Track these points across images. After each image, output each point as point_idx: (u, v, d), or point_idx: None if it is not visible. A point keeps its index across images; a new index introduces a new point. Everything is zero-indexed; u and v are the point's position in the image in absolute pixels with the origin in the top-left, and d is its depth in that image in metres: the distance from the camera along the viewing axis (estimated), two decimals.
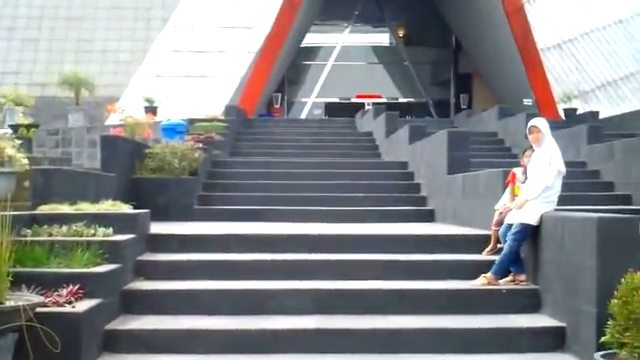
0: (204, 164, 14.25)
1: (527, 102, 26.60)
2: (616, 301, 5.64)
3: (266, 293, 7.52)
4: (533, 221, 7.59)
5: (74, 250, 7.02)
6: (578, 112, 24.74)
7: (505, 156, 16.35)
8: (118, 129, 15.46)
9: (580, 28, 27.83)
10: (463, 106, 34.81)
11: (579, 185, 13.36)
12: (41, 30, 30.02)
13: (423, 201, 13.75)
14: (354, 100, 35.91)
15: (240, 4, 27.14)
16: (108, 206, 8.76)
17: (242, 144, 19.83)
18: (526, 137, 8.03)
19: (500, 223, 8.29)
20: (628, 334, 5.47)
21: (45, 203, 8.29)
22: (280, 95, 35.54)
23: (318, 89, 37.14)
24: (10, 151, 7.85)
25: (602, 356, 5.67)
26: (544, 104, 26.05)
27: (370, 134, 21.12)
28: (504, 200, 8.65)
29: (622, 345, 5.51)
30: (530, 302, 7.50)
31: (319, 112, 37.03)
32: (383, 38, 39.23)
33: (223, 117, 20.75)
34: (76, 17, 30.16)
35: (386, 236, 9.37)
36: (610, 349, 5.67)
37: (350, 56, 37.65)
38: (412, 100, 38.06)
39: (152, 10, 30.25)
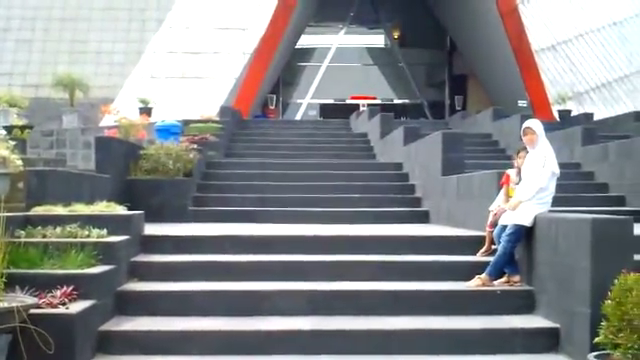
0: (199, 165, 14.23)
1: (522, 104, 26.64)
2: (610, 302, 5.66)
3: (261, 294, 7.52)
4: (527, 222, 7.60)
5: (68, 251, 7.01)
6: (572, 114, 24.78)
7: (499, 157, 16.37)
8: (112, 130, 15.44)
9: (574, 30, 27.90)
10: (458, 107, 34.84)
11: (573, 186, 13.40)
12: (35, 31, 29.96)
13: (418, 202, 13.76)
14: (349, 101, 35.92)
15: (235, 5, 27.12)
16: (102, 207, 8.75)
17: (237, 145, 19.82)
18: (520, 138, 8.04)
19: (494, 224, 8.29)
20: (621, 335, 5.49)
21: (39, 204, 8.27)
22: (275, 96, 35.53)
23: (313, 90, 37.14)
24: (4, 152, 7.82)
25: (596, 357, 5.68)
26: (539, 106, 26.10)
27: (365, 135, 21.12)
28: (498, 201, 8.66)
29: (616, 346, 5.53)
30: (524, 303, 7.51)
31: (314, 113, 37.04)
32: (378, 39, 39.26)
33: (218, 118, 20.74)
34: (70, 18, 30.11)
35: (381, 237, 9.37)
36: (604, 350, 5.68)
37: (345, 57, 37.65)
38: (407, 101, 38.10)
39: (147, 11, 30.22)
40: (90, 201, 9.13)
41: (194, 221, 12.16)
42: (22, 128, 13.49)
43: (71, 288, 6.37)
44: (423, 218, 12.91)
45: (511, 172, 8.65)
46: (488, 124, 21.17)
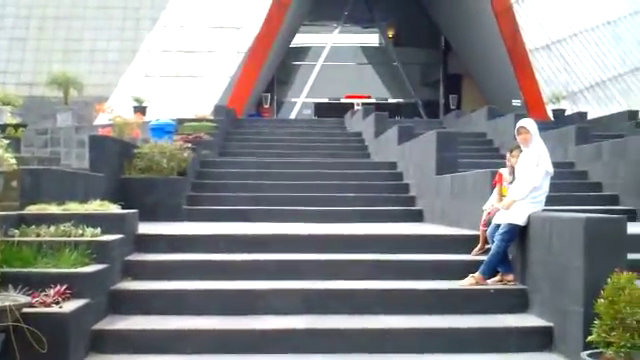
0: (193, 164, 14.22)
1: (516, 103, 26.69)
2: (602, 301, 5.67)
3: (255, 293, 7.51)
4: (521, 221, 7.62)
5: (62, 250, 6.99)
6: (567, 113, 24.84)
7: (494, 157, 16.40)
8: (107, 129, 15.41)
9: (569, 29, 27.97)
10: (452, 107, 34.88)
11: (567, 185, 13.43)
12: (29, 29, 29.91)
13: (412, 201, 13.78)
14: (343, 100, 35.93)
15: (229, 4, 27.11)
16: (96, 206, 8.73)
17: (231, 144, 19.81)
18: (515, 138, 8.05)
19: (488, 223, 8.30)
20: (614, 333, 5.51)
21: (33, 203, 8.25)
22: (269, 95, 35.53)
23: (307, 89, 37.15)
24: None
25: (589, 355, 5.69)
26: (533, 105, 26.15)
27: (359, 134, 21.14)
28: (492, 201, 8.68)
29: (608, 344, 5.55)
30: (518, 302, 7.53)
31: (308, 112, 37.04)
32: (372, 39, 39.28)
33: (212, 117, 20.72)
34: (64, 16, 30.06)
35: (375, 236, 9.37)
36: (597, 348, 5.70)
37: (340, 56, 37.66)
38: (401, 101, 38.13)
39: (141, 10, 30.20)
40: (84, 200, 9.11)
41: (188, 220, 12.15)
42: (16, 127, 13.46)
43: (65, 287, 6.36)
44: (417, 217, 12.93)
45: (504, 171, 8.67)
46: (482, 123, 21.21)
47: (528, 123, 7.88)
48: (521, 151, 7.96)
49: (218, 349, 6.68)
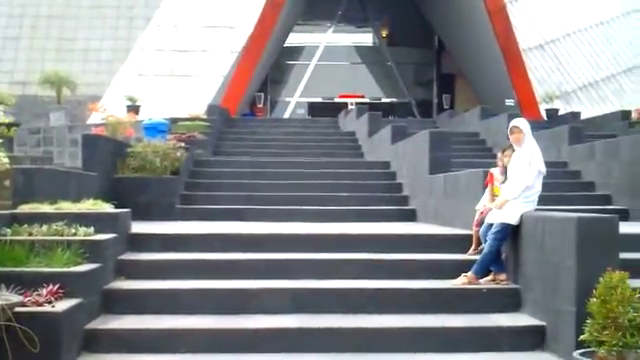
0: (186, 163, 14.21)
1: (509, 102, 26.73)
2: (595, 300, 5.69)
3: (248, 292, 7.52)
4: (513, 221, 7.63)
5: (54, 249, 6.98)
6: (560, 113, 24.90)
7: (487, 156, 16.41)
8: (100, 128, 15.37)
9: (562, 29, 28.04)
10: (446, 106, 34.90)
11: (560, 185, 13.47)
12: (22, 28, 29.82)
13: (405, 201, 13.79)
14: (337, 100, 35.91)
15: (223, 3, 27.09)
16: (89, 205, 8.72)
17: (225, 143, 19.80)
18: (507, 137, 8.07)
19: (481, 223, 8.32)
20: (606, 332, 5.53)
21: (26, 202, 8.23)
22: (263, 95, 35.49)
23: (301, 89, 37.12)
24: None
25: (581, 354, 5.71)
26: (526, 104, 26.20)
27: (353, 134, 21.15)
28: (484, 201, 8.69)
29: (600, 343, 5.57)
30: (511, 301, 7.54)
31: (302, 112, 37.01)
32: (366, 38, 39.26)
33: (206, 116, 20.71)
34: (58, 15, 29.98)
35: (368, 235, 9.38)
36: (589, 347, 5.72)
37: (333, 56, 37.64)
38: (395, 100, 38.13)
39: (135, 9, 30.13)
40: (77, 199, 9.09)
41: (182, 219, 12.14)
42: (9, 126, 13.42)
43: (57, 286, 6.35)
44: (410, 216, 12.94)
45: (495, 171, 8.69)
46: (475, 123, 21.24)
47: (521, 123, 7.90)
48: (514, 151, 7.97)
49: (212, 348, 6.67)
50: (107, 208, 8.82)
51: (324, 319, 7.14)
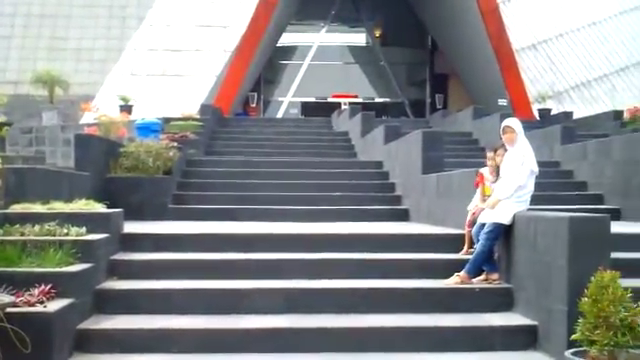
0: (179, 163, 14.19)
1: (502, 102, 26.78)
2: (586, 299, 5.70)
3: (240, 292, 7.51)
4: (506, 220, 7.64)
5: (46, 249, 6.96)
6: (552, 112, 24.95)
7: (479, 156, 16.27)
8: (92, 128, 15.35)
9: (555, 29, 28.10)
10: (439, 106, 34.93)
11: (553, 185, 13.50)
12: (14, 27, 29.76)
13: (398, 200, 13.80)
14: (330, 100, 35.91)
15: (216, 3, 27.07)
16: (81, 205, 8.70)
17: (217, 143, 19.77)
18: (500, 137, 8.08)
19: (473, 223, 8.33)
20: (598, 332, 5.54)
21: (18, 202, 8.21)
22: (256, 94, 35.46)
23: (294, 88, 37.11)
24: None
25: (572, 354, 5.72)
26: (519, 104, 26.26)
27: (346, 134, 21.15)
28: (475, 201, 8.70)
29: (592, 343, 5.58)
30: (503, 301, 7.56)
31: (295, 111, 36.98)
32: (359, 38, 39.27)
33: (198, 116, 20.68)
34: (50, 14, 29.92)
35: (361, 235, 9.38)
36: (581, 347, 5.73)
37: (327, 56, 37.64)
38: (388, 100, 38.15)
39: (127, 8, 30.11)
40: (69, 199, 9.07)
41: (174, 219, 12.12)
42: (1, 125, 13.39)
43: (49, 286, 6.33)
44: (403, 216, 12.96)
45: (484, 171, 8.70)
46: (468, 123, 21.27)
47: (513, 122, 7.91)
48: (506, 150, 7.99)
49: (203, 348, 6.67)
50: (99, 208, 8.81)
51: (316, 319, 7.14)
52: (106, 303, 7.30)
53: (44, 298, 6.18)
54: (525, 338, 6.91)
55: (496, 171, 8.24)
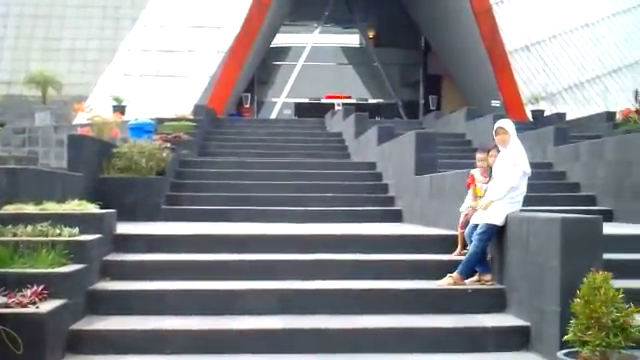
0: (172, 164, 14.18)
1: (495, 103, 26.82)
2: (578, 300, 5.72)
3: (234, 293, 7.50)
4: (498, 221, 7.66)
5: (39, 250, 6.94)
6: (545, 114, 25.00)
7: (473, 157, 16.36)
8: (86, 128, 15.33)
9: (548, 31, 28.16)
10: (432, 107, 34.97)
11: (545, 186, 13.53)
12: (7, 28, 29.66)
13: (391, 201, 13.82)
14: (324, 100, 35.92)
15: (210, 4, 27.04)
16: (74, 206, 8.69)
17: (211, 144, 19.76)
18: (493, 138, 8.10)
19: (466, 225, 8.34)
20: (590, 333, 5.56)
21: (10, 203, 8.19)
22: (250, 95, 35.43)
23: (288, 89, 37.10)
24: None
25: (565, 354, 5.74)
26: (512, 105, 26.30)
27: (339, 135, 21.16)
28: (468, 202, 8.71)
29: (584, 343, 5.59)
30: (496, 302, 7.57)
31: (289, 112, 36.98)
32: (353, 39, 39.30)
33: (192, 117, 20.65)
34: (43, 15, 29.85)
35: (354, 236, 9.39)
36: (573, 347, 5.75)
37: (320, 57, 37.64)
38: (381, 101, 38.18)
39: (121, 9, 30.05)
40: (62, 200, 9.06)
41: (167, 220, 12.11)
42: None
43: (42, 287, 6.31)
44: (396, 217, 12.97)
45: (475, 172, 8.71)
46: (461, 124, 21.30)
47: (506, 124, 7.93)
48: (499, 151, 8.00)
49: (197, 349, 6.67)
50: (92, 209, 8.79)
51: (310, 320, 7.14)
52: (99, 304, 7.28)
53: (36, 299, 6.16)
54: (518, 339, 6.92)
55: (488, 171, 8.26)
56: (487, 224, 7.70)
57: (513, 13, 27.90)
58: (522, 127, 15.92)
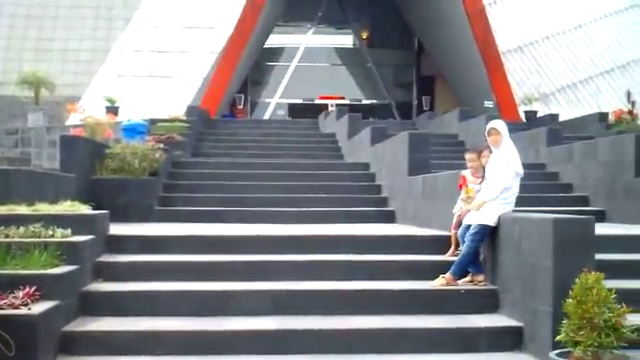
0: (165, 165, 14.17)
1: (488, 104, 26.85)
2: (571, 301, 5.73)
3: (227, 294, 7.50)
4: (491, 222, 7.67)
5: (31, 251, 6.92)
6: (538, 115, 25.05)
7: (464, 158, 16.45)
8: (78, 129, 15.29)
9: (541, 32, 28.21)
10: (425, 108, 35.00)
11: (538, 187, 13.56)
12: None
13: (384, 202, 13.83)
14: (317, 101, 35.93)
15: (203, 4, 27.00)
16: (67, 207, 8.67)
17: (204, 145, 19.75)
18: (486, 139, 8.11)
19: (459, 225, 8.36)
20: (582, 333, 5.57)
21: (2, 204, 8.16)
22: (243, 96, 35.40)
23: (281, 90, 37.09)
24: None
25: (557, 355, 5.75)
26: (505, 106, 26.32)
27: (333, 135, 21.17)
28: (460, 203, 8.72)
29: (576, 344, 5.61)
30: (489, 302, 7.59)
31: (282, 113, 36.97)
32: (346, 40, 39.33)
33: (185, 117, 20.63)
34: (36, 15, 29.76)
35: (348, 237, 9.39)
36: (565, 348, 5.76)
37: (313, 57, 37.65)
38: (375, 102, 38.20)
39: (114, 10, 29.97)
40: (54, 200, 9.04)
41: (160, 221, 12.10)
42: None
43: (34, 289, 6.29)
44: (389, 218, 12.98)
45: (466, 173, 8.72)
46: (455, 125, 21.33)
47: (498, 124, 7.95)
48: (491, 152, 8.02)
49: (190, 350, 6.66)
50: (85, 210, 8.78)
51: (303, 321, 7.14)
52: (92, 305, 7.27)
53: (28, 300, 6.14)
54: (510, 339, 6.94)
55: (481, 172, 8.27)
56: (480, 225, 7.71)
57: (506, 14, 27.94)
58: (515, 128, 15.96)
